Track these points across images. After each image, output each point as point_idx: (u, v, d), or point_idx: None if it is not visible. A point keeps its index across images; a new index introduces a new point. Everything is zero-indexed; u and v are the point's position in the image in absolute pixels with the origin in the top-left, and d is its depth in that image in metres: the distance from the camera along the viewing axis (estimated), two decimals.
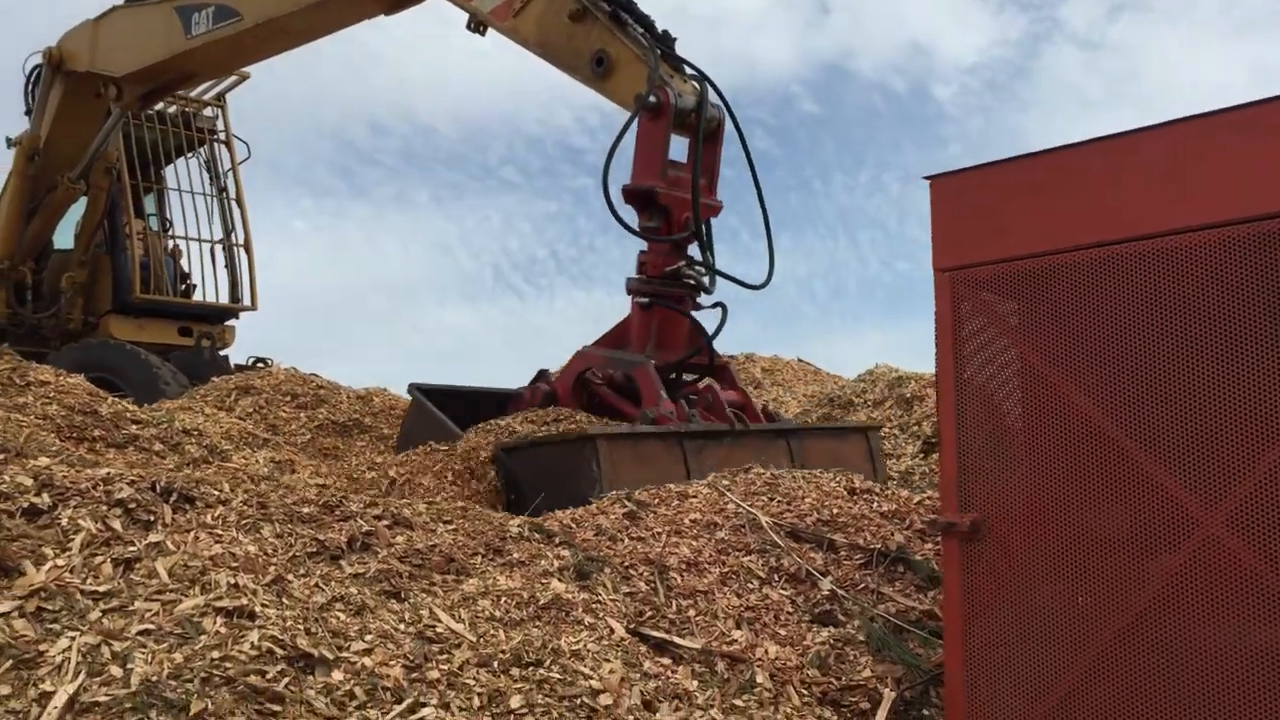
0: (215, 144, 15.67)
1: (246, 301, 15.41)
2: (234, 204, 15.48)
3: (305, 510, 4.81)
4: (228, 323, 15.56)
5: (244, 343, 18.40)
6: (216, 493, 4.74)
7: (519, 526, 5.35)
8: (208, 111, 15.71)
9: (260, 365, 14.59)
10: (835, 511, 5.96)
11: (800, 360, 15.59)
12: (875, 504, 6.15)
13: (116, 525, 4.26)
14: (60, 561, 4.01)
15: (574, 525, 5.52)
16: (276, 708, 3.65)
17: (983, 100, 42.22)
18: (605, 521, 5.63)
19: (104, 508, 4.31)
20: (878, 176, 42.50)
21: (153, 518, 4.38)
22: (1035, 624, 4.08)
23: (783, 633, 4.99)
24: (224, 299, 15.35)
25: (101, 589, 3.92)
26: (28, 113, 14.20)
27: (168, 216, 15.71)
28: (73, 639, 3.67)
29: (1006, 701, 4.11)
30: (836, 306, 41.18)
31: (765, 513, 5.82)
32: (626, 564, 5.20)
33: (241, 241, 15.39)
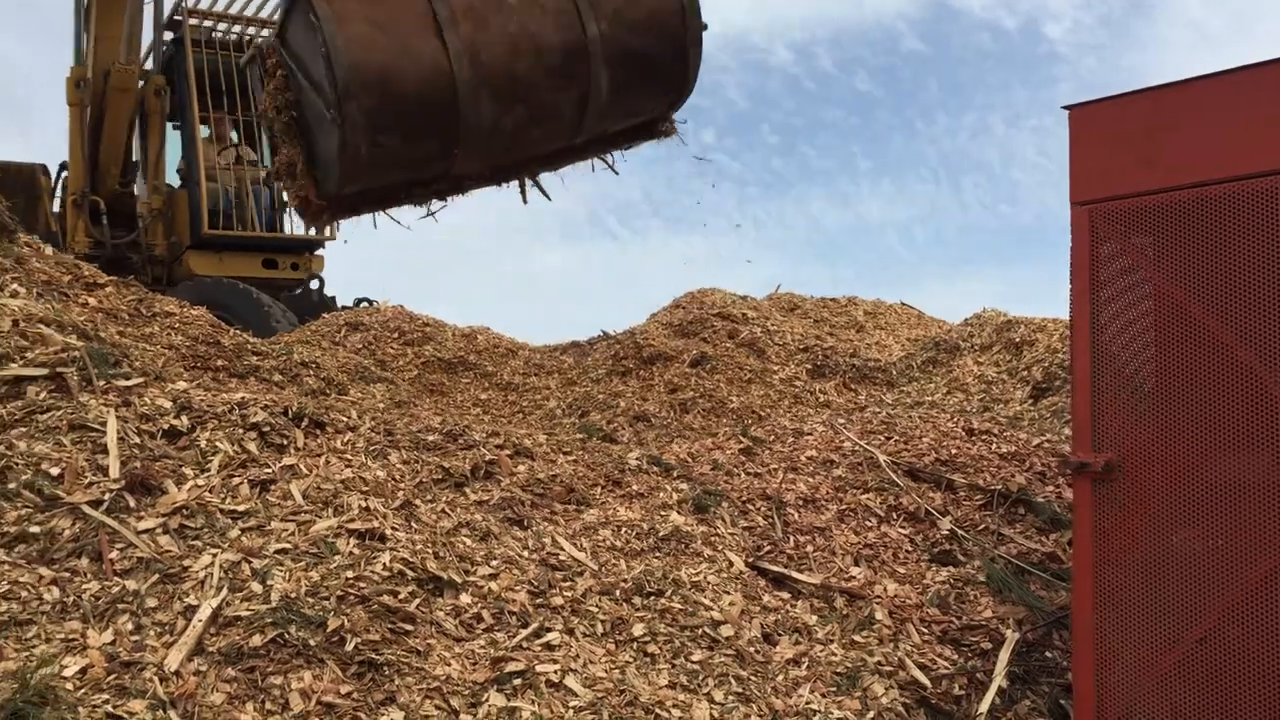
0: None
1: (325, 231, 15.30)
2: None
3: (430, 438, 4.89)
4: (318, 252, 15.48)
5: (345, 283, 18.63)
6: (345, 419, 4.83)
7: (637, 459, 5.37)
8: None
9: (365, 305, 14.76)
10: (954, 451, 5.87)
11: (904, 304, 15.32)
12: (994, 445, 6.04)
13: (252, 448, 4.37)
14: (200, 481, 4.14)
15: (691, 460, 5.53)
16: (408, 627, 3.73)
17: (1096, 37, 40.67)
18: (722, 456, 5.62)
19: (240, 430, 4.43)
20: (983, 118, 41.33)
21: (286, 441, 4.49)
22: (1170, 568, 3.98)
23: (901, 571, 4.95)
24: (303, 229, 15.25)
25: (240, 508, 4.04)
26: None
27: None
28: (214, 555, 3.79)
29: (1137, 646, 4.03)
30: (935, 252, 40.40)
31: (883, 451, 5.76)
32: (744, 499, 5.20)
33: None
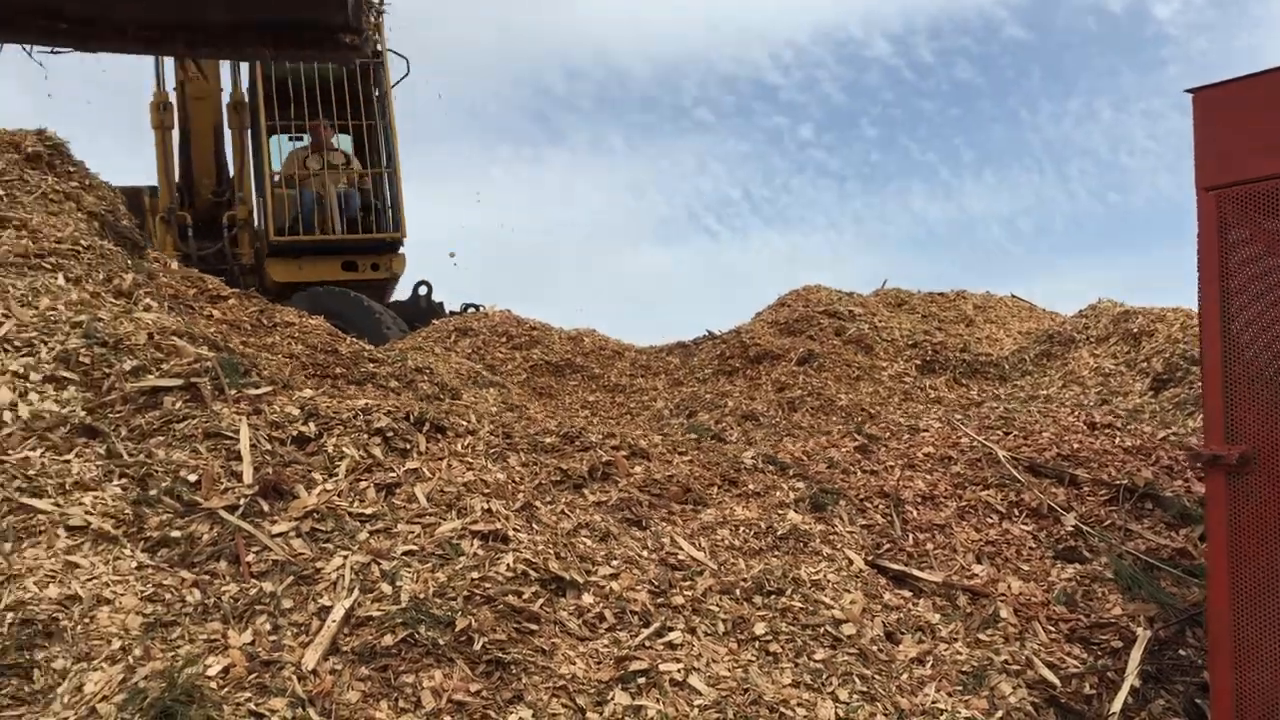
0: (373, 65, 14.73)
1: (396, 230, 15.22)
2: (389, 128, 15.19)
3: (547, 440, 4.95)
4: (399, 251, 15.40)
5: (451, 288, 18.82)
6: (465, 423, 4.93)
7: (753, 458, 5.37)
8: None
9: (473, 311, 14.91)
10: (1075, 446, 5.73)
11: (1014, 297, 14.99)
12: (1118, 439, 5.88)
13: (377, 452, 4.48)
14: (329, 486, 4.25)
15: (806, 458, 5.50)
16: (533, 626, 3.79)
17: (1206, 18, 39.32)
18: (837, 454, 5.58)
19: (365, 436, 4.54)
20: (1089, 103, 40.23)
21: (409, 446, 4.59)
22: None
23: (1025, 568, 4.85)
24: (383, 228, 15.22)
25: (368, 511, 4.15)
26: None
27: (351, 150, 15.62)
28: (345, 558, 3.89)
29: (1277, 645, 3.90)
30: (1042, 243, 39.44)
31: (1002, 447, 5.66)
32: (861, 496, 5.16)
33: (393, 168, 14.93)
